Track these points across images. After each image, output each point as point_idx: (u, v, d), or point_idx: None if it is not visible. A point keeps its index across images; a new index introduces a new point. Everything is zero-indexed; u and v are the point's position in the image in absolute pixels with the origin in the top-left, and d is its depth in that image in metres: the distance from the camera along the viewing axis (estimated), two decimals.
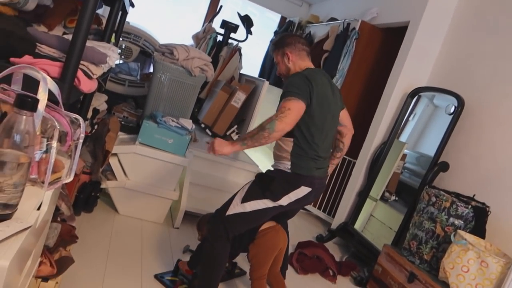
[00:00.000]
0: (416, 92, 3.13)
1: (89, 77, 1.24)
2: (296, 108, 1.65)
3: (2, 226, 0.72)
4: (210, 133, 3.88)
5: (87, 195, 2.51)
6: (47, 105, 0.98)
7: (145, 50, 3.55)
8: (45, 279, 1.34)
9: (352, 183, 3.49)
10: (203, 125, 3.91)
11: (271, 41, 5.22)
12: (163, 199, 2.67)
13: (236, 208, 1.78)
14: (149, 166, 2.62)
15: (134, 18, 4.83)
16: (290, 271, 2.66)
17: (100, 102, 2.50)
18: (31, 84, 1.00)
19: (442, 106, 3.09)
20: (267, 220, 1.94)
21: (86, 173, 2.53)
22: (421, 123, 3.28)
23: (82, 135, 1.04)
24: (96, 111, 2.40)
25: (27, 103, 0.76)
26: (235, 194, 1.87)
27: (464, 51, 3.02)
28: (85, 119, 2.06)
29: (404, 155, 3.32)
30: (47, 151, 0.95)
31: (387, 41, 3.84)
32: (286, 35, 1.98)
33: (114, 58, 1.72)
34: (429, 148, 3.02)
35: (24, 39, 1.14)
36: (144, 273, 2.08)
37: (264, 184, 1.78)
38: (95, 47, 1.35)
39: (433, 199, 2.40)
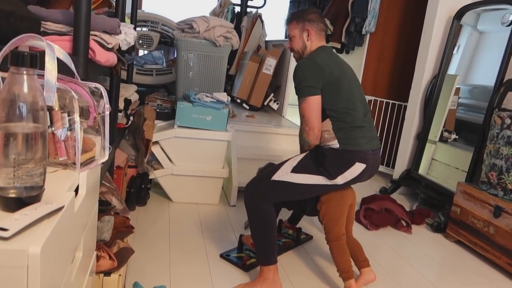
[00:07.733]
0: (462, 12, 2.80)
1: (105, 47, 1.11)
2: (312, 108, 1.67)
3: (29, 209, 0.61)
4: (247, 107, 3.74)
5: (137, 188, 2.46)
6: (60, 78, 0.86)
7: (166, 36, 3.43)
8: (107, 273, 1.26)
9: (407, 128, 3.23)
10: (238, 100, 3.76)
11: (290, 1, 4.94)
12: (213, 178, 2.57)
13: (285, 176, 1.68)
14: (193, 148, 2.52)
15: (148, 6, 4.73)
16: (360, 228, 2.50)
17: (130, 93, 2.40)
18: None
19: (488, 30, 2.75)
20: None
21: (132, 166, 2.48)
22: (467, 54, 2.95)
23: (107, 106, 0.92)
24: (128, 102, 2.31)
25: (24, 57, 0.62)
26: (283, 162, 1.75)
27: None
28: (116, 108, 1.96)
29: (458, 89, 3.02)
30: (71, 127, 0.84)
31: None
32: (309, 10, 1.86)
33: (131, 34, 1.60)
34: (482, 78, 2.71)
35: (27, 18, 1.03)
36: (209, 255, 1.99)
37: (318, 160, 1.67)
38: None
39: (508, 121, 2.13)
